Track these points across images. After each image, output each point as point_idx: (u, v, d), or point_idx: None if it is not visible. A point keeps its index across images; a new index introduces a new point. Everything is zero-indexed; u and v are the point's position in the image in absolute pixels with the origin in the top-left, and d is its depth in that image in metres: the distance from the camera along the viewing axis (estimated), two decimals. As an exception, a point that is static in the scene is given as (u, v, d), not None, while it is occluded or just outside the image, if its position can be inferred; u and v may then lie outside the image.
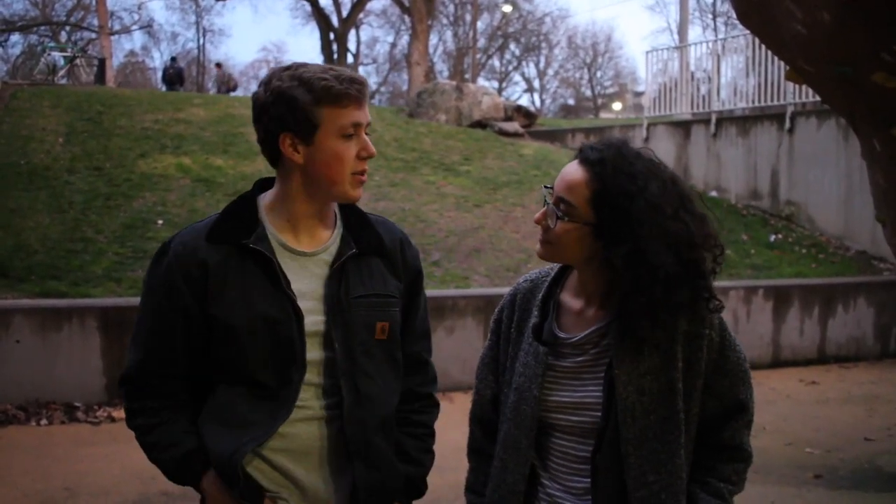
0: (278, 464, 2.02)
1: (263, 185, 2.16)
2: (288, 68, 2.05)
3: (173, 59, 31.51)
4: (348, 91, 1.98)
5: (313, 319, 2.04)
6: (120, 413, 6.74)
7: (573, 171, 1.95)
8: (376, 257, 2.14)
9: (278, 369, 2.00)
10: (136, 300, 7.31)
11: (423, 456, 2.23)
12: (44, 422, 6.57)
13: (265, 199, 2.12)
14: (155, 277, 2.06)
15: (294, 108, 1.98)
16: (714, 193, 13.58)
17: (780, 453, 6.04)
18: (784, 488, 5.45)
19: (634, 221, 1.86)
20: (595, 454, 1.94)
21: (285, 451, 2.02)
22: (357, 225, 2.16)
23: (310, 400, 2.03)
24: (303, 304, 2.02)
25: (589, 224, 1.91)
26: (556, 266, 2.14)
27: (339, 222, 2.15)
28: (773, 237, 12.07)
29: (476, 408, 2.22)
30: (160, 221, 9.75)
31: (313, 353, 2.03)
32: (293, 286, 2.02)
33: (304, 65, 2.05)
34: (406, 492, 2.19)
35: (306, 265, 2.07)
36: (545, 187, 2.03)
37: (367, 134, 2.05)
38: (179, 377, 2.06)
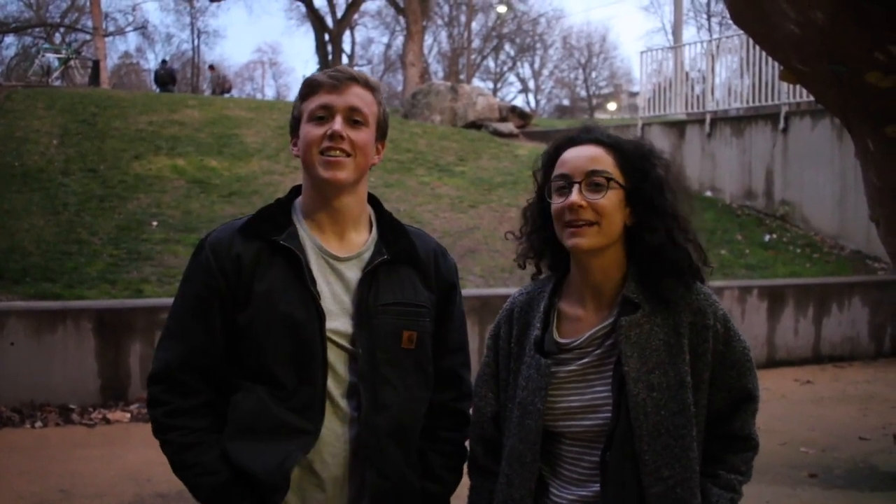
0: (304, 465, 2.04)
1: (299, 191, 2.23)
2: None
3: (164, 61, 31.63)
4: (319, 80, 2.10)
5: (341, 323, 2.06)
6: (115, 415, 6.74)
7: (586, 148, 1.99)
8: (409, 267, 2.17)
9: (298, 369, 2.02)
10: (131, 302, 7.37)
11: (446, 474, 2.20)
12: (39, 424, 6.56)
13: (299, 202, 2.20)
14: (192, 270, 2.12)
15: (292, 112, 2.17)
16: (709, 193, 13.60)
17: (775, 453, 6.04)
18: (779, 488, 5.45)
19: (664, 185, 1.97)
20: (605, 452, 1.93)
21: (314, 452, 2.04)
22: (391, 234, 2.19)
23: (337, 401, 2.05)
24: (332, 306, 2.06)
25: (624, 188, 1.96)
26: (551, 277, 2.12)
27: (374, 230, 2.19)
28: (767, 237, 12.08)
29: (476, 426, 2.17)
30: (155, 223, 9.74)
31: (339, 356, 2.06)
32: (321, 287, 2.06)
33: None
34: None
35: (339, 269, 2.11)
36: (540, 187, 2.05)
37: (356, 122, 2.08)
38: (214, 371, 2.07)
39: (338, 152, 2.06)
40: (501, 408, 2.11)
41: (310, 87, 2.10)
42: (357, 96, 2.08)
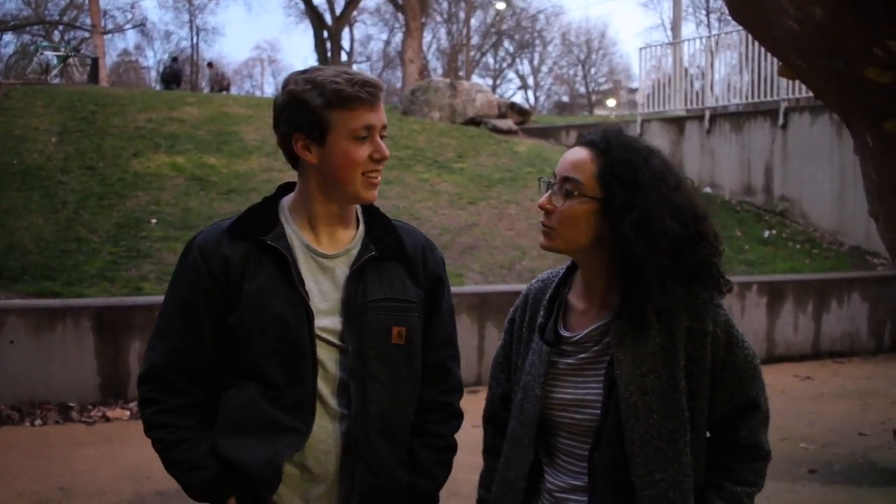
0: (297, 461, 2.05)
1: (286, 188, 2.20)
2: (305, 72, 2.08)
3: (174, 59, 31.53)
4: (359, 94, 2.00)
5: (330, 320, 2.06)
6: (115, 413, 6.74)
7: (576, 152, 1.98)
8: (397, 262, 2.16)
9: (287, 369, 2.02)
10: (130, 300, 7.36)
11: (436, 468, 2.20)
12: (38, 422, 6.56)
13: (287, 200, 2.16)
14: (181, 272, 2.11)
15: (305, 111, 2.02)
16: (708, 189, 13.59)
17: (774, 449, 5.93)
18: (779, 483, 5.45)
19: (642, 191, 1.89)
20: (592, 451, 1.93)
21: (307, 449, 2.05)
22: (379, 229, 2.18)
23: (327, 398, 2.05)
24: (321, 304, 2.06)
25: (596, 199, 1.91)
26: (565, 266, 2.13)
27: (361, 226, 2.17)
28: (766, 233, 12.09)
29: (488, 406, 2.23)
30: (154, 220, 9.74)
31: (329, 353, 2.06)
32: (310, 286, 2.06)
33: (320, 68, 2.08)
34: (403, 499, 2.15)
35: (327, 266, 2.10)
36: (541, 179, 2.04)
37: (382, 136, 2.07)
38: (203, 372, 2.07)
39: (378, 173, 2.08)
40: (511, 390, 2.15)
41: (345, 100, 2.00)
42: (383, 110, 2.07)
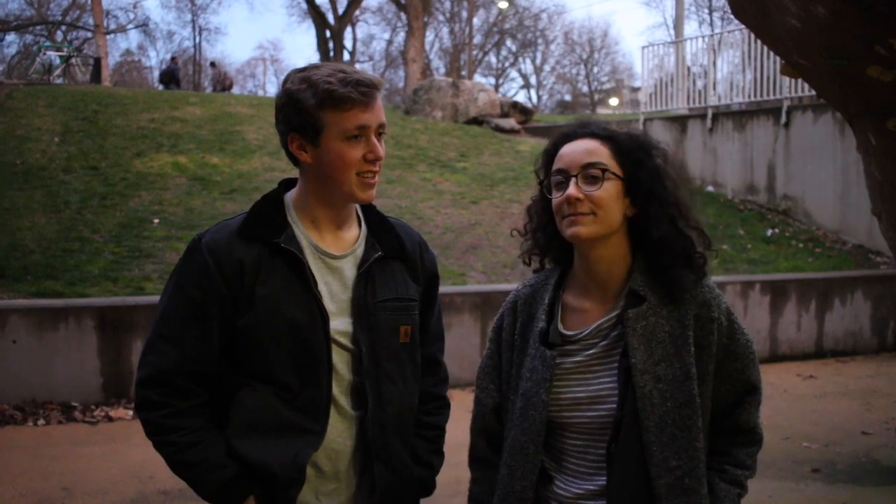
0: (311, 461, 2.06)
1: (288, 184, 2.18)
2: (303, 70, 2.06)
3: (173, 58, 31.62)
4: (350, 95, 1.97)
5: (341, 322, 2.06)
6: (117, 412, 6.74)
7: (582, 143, 2.00)
8: (398, 261, 2.17)
9: (301, 372, 2.02)
10: (133, 299, 7.36)
11: (432, 458, 2.27)
12: (41, 422, 6.57)
13: (291, 199, 2.14)
14: (186, 273, 2.05)
15: (299, 111, 2.00)
16: (711, 188, 13.58)
17: (777, 448, 6.04)
18: (782, 482, 5.45)
19: (663, 174, 1.99)
20: (611, 444, 1.93)
21: (320, 449, 2.05)
22: (379, 228, 2.18)
23: (339, 400, 2.06)
24: (331, 306, 2.05)
25: (621, 178, 1.97)
26: (554, 270, 2.13)
27: (363, 225, 2.18)
28: (769, 232, 12.07)
29: (478, 418, 2.20)
30: (156, 220, 9.74)
31: (341, 356, 2.06)
32: (321, 288, 2.05)
33: (318, 66, 2.06)
34: (415, 492, 2.21)
35: (335, 267, 2.10)
36: (543, 181, 2.05)
37: (380, 135, 2.05)
38: (209, 375, 2.04)
39: (374, 174, 2.06)
40: (503, 399, 2.13)
41: (336, 101, 1.97)
42: (381, 109, 2.05)
